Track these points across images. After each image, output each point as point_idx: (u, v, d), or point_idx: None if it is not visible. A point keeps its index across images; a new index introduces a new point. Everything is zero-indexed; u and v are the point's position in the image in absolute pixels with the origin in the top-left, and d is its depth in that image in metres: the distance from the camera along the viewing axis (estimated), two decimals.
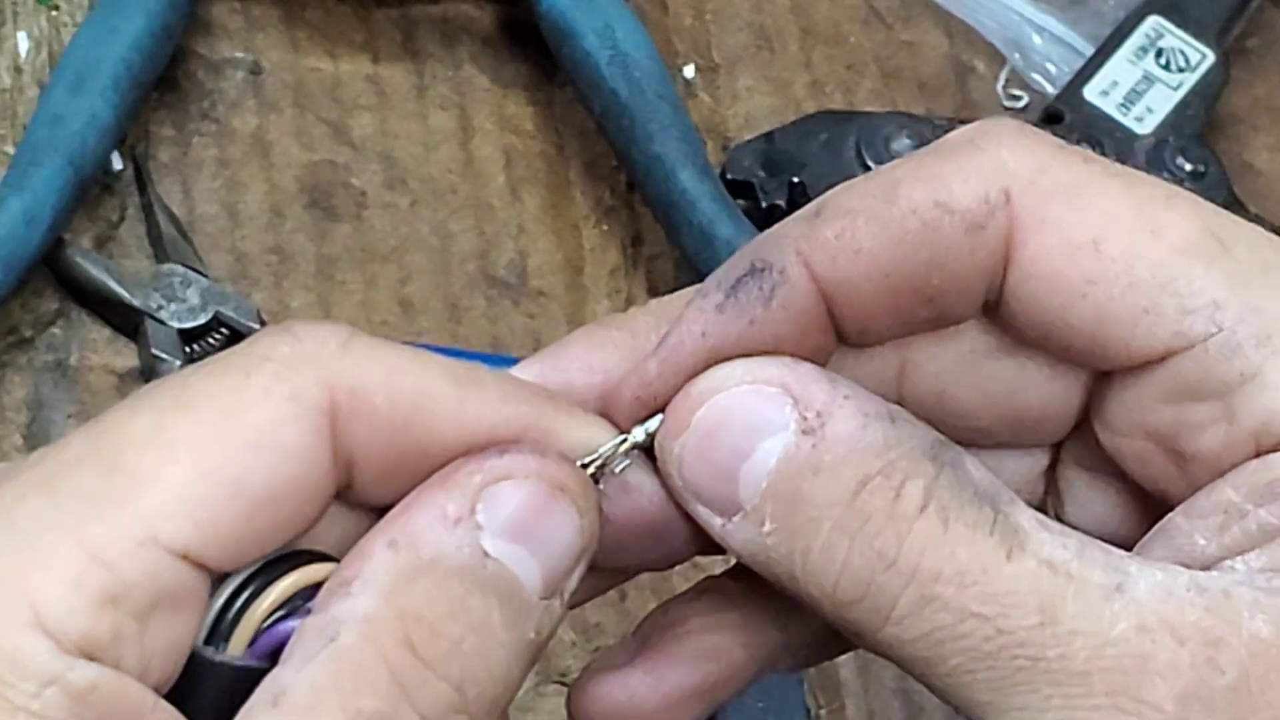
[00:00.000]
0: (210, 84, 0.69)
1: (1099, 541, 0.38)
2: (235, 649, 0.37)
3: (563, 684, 0.62)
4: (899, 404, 0.39)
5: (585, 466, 0.39)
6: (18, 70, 0.67)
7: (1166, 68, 0.74)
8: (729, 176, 0.69)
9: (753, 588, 0.41)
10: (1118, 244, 0.38)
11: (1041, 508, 0.42)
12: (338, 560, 0.37)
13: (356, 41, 0.71)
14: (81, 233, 0.65)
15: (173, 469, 0.35)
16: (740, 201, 0.69)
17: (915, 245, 0.38)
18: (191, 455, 0.36)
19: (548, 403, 0.39)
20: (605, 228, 0.70)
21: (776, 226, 0.39)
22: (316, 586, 0.37)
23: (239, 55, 0.70)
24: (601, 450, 0.39)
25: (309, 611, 0.36)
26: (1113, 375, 0.39)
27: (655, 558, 0.41)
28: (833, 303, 0.38)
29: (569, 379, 0.40)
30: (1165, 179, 0.69)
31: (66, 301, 0.64)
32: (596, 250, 0.70)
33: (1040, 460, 0.43)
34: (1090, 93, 0.73)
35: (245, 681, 0.36)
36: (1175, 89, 0.74)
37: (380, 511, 0.38)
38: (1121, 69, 0.74)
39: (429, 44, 0.72)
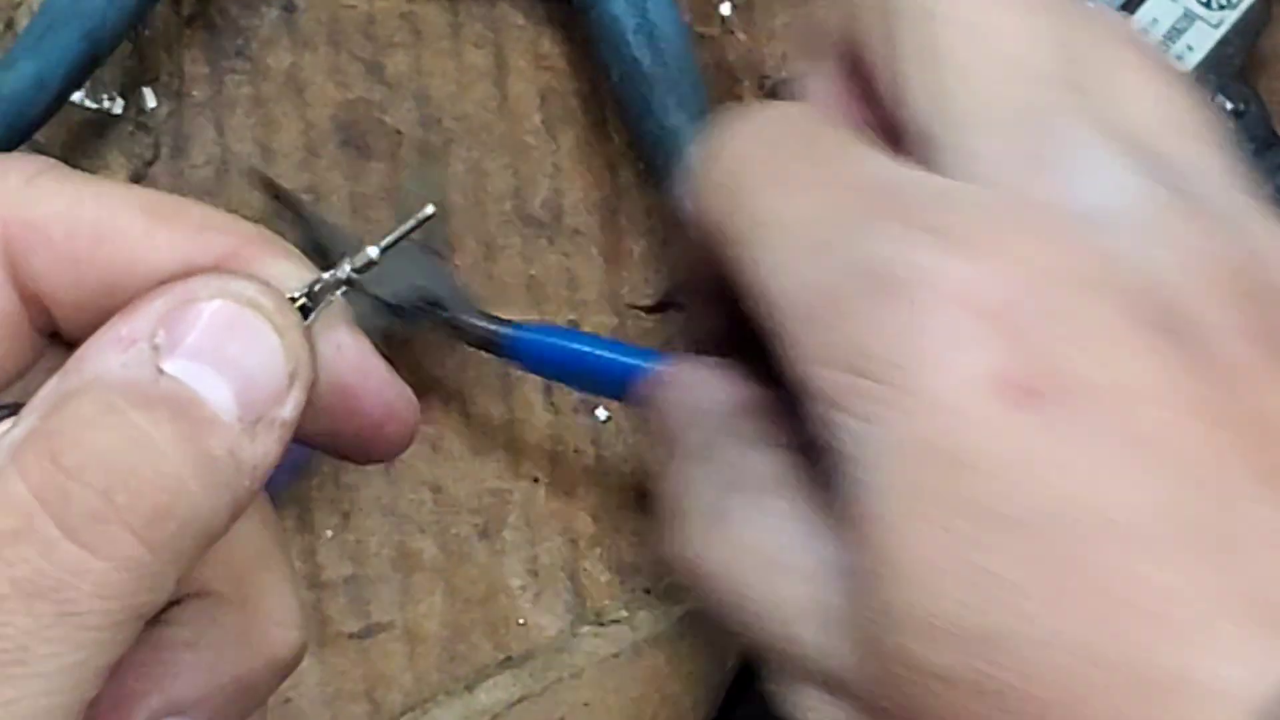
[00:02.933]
0: (244, 21, 0.69)
1: None
2: None
3: (599, 624, 0.62)
4: None
5: (293, 301, 0.37)
6: None
7: (1207, 5, 0.73)
8: None
9: None
10: None
11: None
12: None
13: None
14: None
15: None
16: None
17: None
18: None
19: (255, 238, 0.38)
20: (641, 166, 0.69)
21: None
22: None
23: None
24: (308, 283, 0.38)
25: None
26: None
27: (329, 433, 0.40)
28: None
29: None
30: None
31: None
32: (631, 189, 0.69)
33: None
34: None
35: None
36: (1215, 27, 0.73)
37: None
38: (1161, 7, 0.73)
39: None
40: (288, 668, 0.40)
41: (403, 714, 0.60)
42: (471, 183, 0.68)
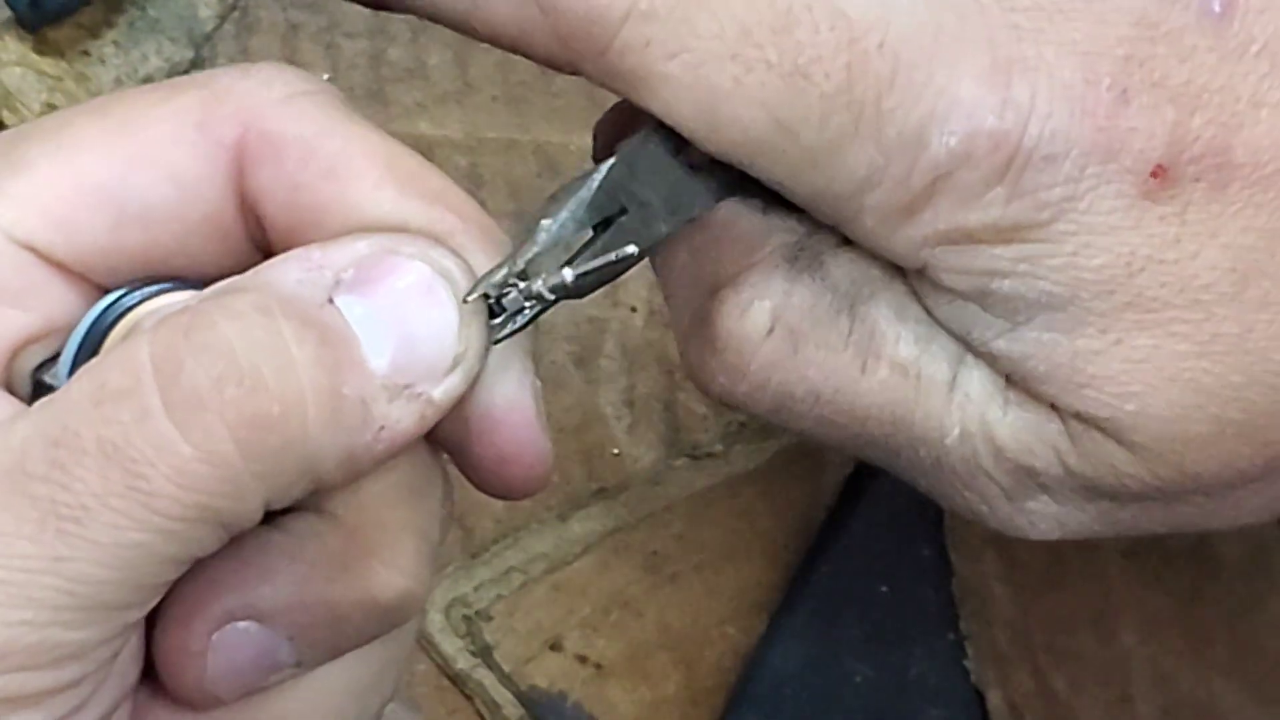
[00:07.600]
0: None
1: (942, 330, 0.39)
2: None
3: (693, 457, 0.62)
4: None
5: (486, 298, 0.37)
6: None
7: None
8: None
9: None
10: None
11: None
12: None
13: None
14: None
15: (47, 165, 0.36)
16: None
17: None
18: (71, 157, 0.36)
19: (478, 229, 0.37)
20: None
21: None
22: None
23: None
24: (501, 280, 0.37)
25: None
26: None
27: (455, 444, 0.39)
28: None
29: None
30: None
31: None
32: None
33: None
34: None
35: None
36: None
37: None
38: None
39: None
40: (387, 614, 0.37)
41: (494, 542, 0.60)
42: None
